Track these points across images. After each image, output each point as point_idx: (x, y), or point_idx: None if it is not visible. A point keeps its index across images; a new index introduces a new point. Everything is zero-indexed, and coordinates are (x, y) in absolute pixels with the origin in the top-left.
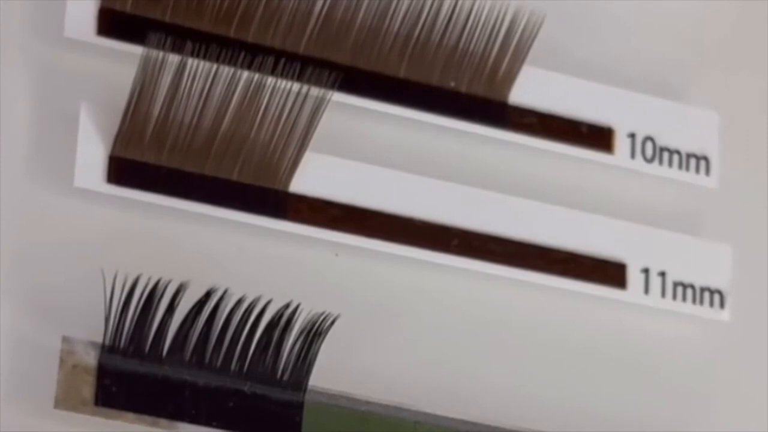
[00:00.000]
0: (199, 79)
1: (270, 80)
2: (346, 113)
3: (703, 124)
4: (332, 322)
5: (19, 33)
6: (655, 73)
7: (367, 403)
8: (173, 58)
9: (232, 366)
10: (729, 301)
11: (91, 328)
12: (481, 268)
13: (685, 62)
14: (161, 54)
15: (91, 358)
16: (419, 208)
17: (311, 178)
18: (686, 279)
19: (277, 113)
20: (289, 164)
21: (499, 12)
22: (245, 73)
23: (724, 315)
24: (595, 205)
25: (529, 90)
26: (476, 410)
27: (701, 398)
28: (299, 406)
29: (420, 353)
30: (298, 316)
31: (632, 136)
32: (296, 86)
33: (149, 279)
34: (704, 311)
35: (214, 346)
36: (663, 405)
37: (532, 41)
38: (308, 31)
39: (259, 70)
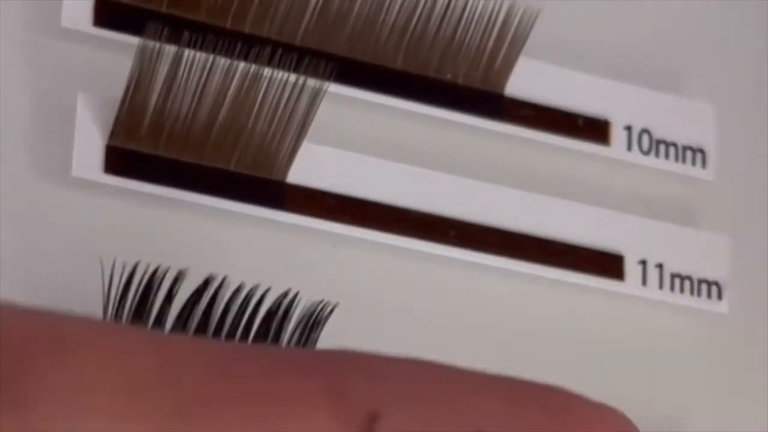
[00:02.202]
0: (195, 69)
1: (267, 71)
2: (343, 104)
3: (699, 116)
4: (331, 311)
5: (15, 23)
6: (652, 66)
7: None
8: (170, 49)
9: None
10: (727, 292)
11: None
12: (478, 259)
13: (681, 54)
14: (158, 44)
15: None
16: (416, 198)
17: (308, 168)
18: (684, 271)
19: (274, 104)
20: (286, 155)
21: (495, 3)
22: (242, 64)
23: (722, 306)
24: (592, 197)
25: (525, 82)
26: None
27: (699, 390)
28: None
29: (416, 344)
30: (297, 304)
31: (629, 128)
32: (293, 77)
33: (147, 267)
34: (702, 303)
35: (213, 335)
36: (660, 396)
37: (529, 33)
38: (305, 22)
39: (255, 60)
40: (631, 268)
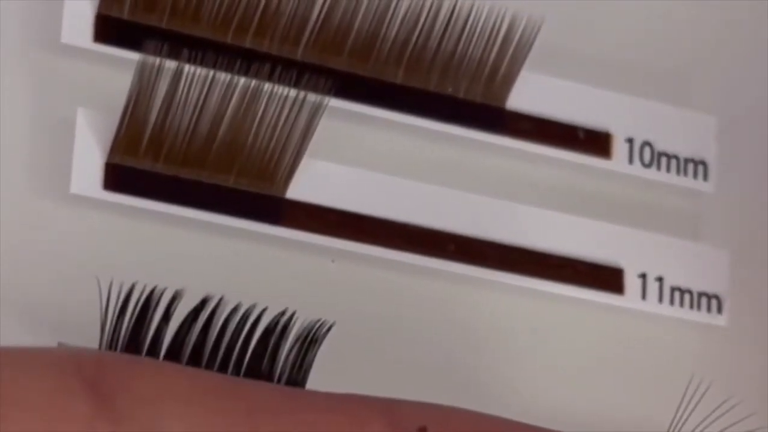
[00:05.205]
0: (195, 85)
1: (267, 86)
2: (343, 119)
3: (701, 128)
4: (328, 329)
5: (15, 39)
6: (654, 78)
7: None
8: (170, 65)
9: (228, 374)
10: (726, 306)
11: (87, 336)
12: (477, 273)
13: (683, 66)
14: (158, 60)
15: None
16: (416, 213)
17: (308, 184)
18: (684, 284)
19: (273, 119)
20: (285, 170)
21: (496, 17)
22: (242, 80)
23: (722, 320)
24: (593, 210)
25: (526, 95)
26: None
27: (699, 404)
28: None
29: (416, 359)
30: (294, 323)
31: (630, 140)
32: (293, 92)
33: (144, 287)
34: (702, 316)
35: (210, 354)
36: (660, 410)
37: (530, 46)
38: (305, 38)
39: (256, 76)
40: (631, 281)
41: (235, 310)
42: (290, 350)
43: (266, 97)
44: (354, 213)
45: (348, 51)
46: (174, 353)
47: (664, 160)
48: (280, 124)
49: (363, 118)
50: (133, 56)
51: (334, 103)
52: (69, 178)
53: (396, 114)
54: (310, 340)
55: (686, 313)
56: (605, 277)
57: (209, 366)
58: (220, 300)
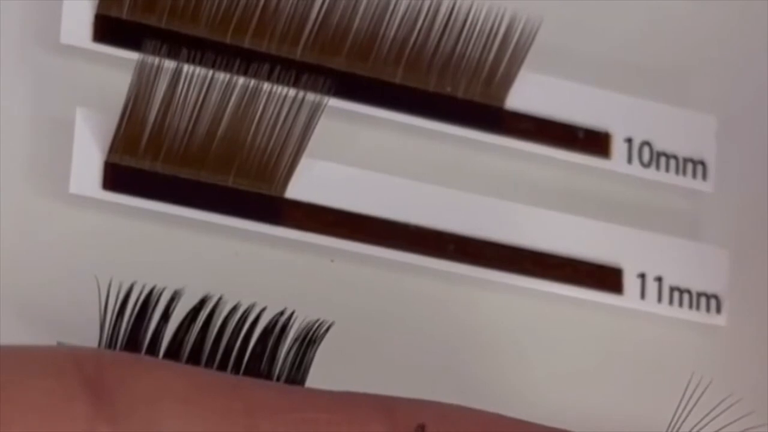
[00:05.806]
0: (194, 85)
1: (266, 86)
2: (342, 119)
3: (700, 128)
4: (327, 329)
5: (14, 39)
6: (653, 77)
7: None
8: (169, 65)
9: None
10: (726, 305)
11: (86, 335)
12: (476, 273)
13: (682, 66)
14: (157, 60)
15: None
16: (415, 213)
17: (307, 183)
18: (683, 284)
19: (273, 119)
20: (285, 170)
21: (495, 17)
22: (241, 79)
23: (721, 320)
24: (592, 210)
25: (525, 95)
26: None
27: (698, 404)
28: None
29: (415, 359)
30: (293, 322)
31: (629, 140)
32: (292, 92)
33: (143, 286)
34: (701, 316)
35: (209, 354)
36: (659, 409)
37: (529, 46)
38: (304, 37)
39: (255, 76)
40: (630, 281)
41: (234, 309)
42: (289, 350)
43: (265, 96)
44: (353, 213)
45: (347, 51)
46: (173, 353)
47: (663, 159)
48: (279, 123)
49: (362, 118)
50: (132, 56)
51: (333, 102)
52: (68, 177)
53: (395, 114)
54: (309, 339)
55: (685, 313)
56: (604, 277)
57: (208, 365)
58: (219, 299)
